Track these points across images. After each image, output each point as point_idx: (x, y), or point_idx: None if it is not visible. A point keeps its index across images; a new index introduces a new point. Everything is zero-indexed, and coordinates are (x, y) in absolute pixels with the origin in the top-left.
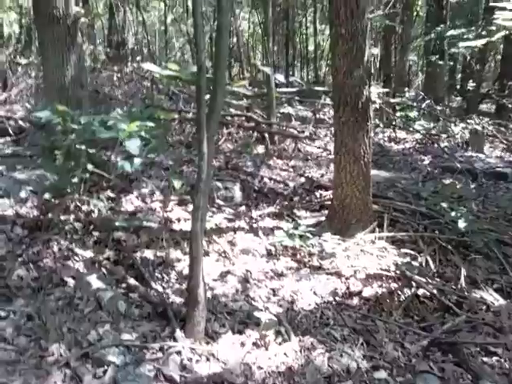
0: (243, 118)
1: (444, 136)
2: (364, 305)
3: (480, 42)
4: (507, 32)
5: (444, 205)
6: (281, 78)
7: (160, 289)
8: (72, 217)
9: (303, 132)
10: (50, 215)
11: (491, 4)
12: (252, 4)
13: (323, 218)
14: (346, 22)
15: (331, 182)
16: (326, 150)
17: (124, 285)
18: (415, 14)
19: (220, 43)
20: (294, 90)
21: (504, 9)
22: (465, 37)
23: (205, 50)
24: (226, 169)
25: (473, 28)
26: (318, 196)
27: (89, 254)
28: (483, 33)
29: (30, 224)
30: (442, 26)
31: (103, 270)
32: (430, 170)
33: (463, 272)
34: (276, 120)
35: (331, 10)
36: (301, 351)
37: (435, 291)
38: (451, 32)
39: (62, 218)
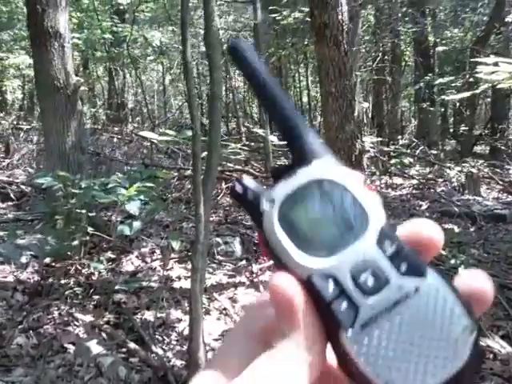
0: (241, 172)
1: (440, 180)
2: None
3: (466, 94)
4: (489, 84)
5: (444, 252)
6: (274, 138)
7: (160, 352)
8: (72, 280)
9: None
10: (50, 280)
11: (472, 60)
12: None
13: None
14: (335, 80)
15: None
16: None
17: (124, 349)
18: (404, 63)
19: (214, 111)
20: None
21: (485, 63)
22: (453, 84)
23: (199, 118)
24: (225, 223)
25: (460, 76)
26: None
27: (89, 318)
28: (471, 80)
29: (31, 290)
30: (430, 74)
31: (103, 334)
32: (428, 215)
33: None
34: None
35: (320, 70)
36: None
37: None
38: (439, 80)
39: (63, 282)
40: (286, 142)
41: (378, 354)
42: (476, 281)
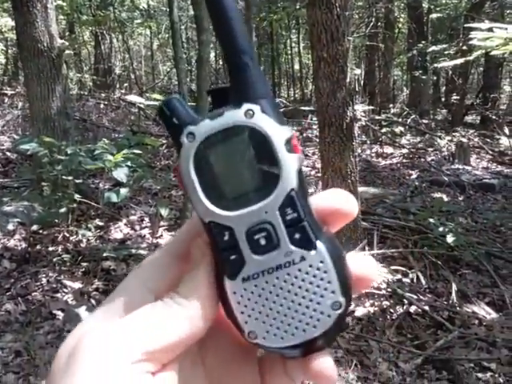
0: None
1: (430, 150)
2: (357, 324)
3: (459, 61)
4: (483, 51)
5: (432, 220)
6: None
7: None
8: (60, 247)
9: None
10: (38, 247)
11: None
12: None
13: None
14: (327, 45)
15: None
16: (314, 168)
17: None
18: (397, 30)
19: (201, 74)
20: (280, 110)
21: (479, 29)
22: (446, 52)
23: (186, 82)
24: None
25: (454, 43)
26: None
27: (77, 285)
28: (464, 47)
29: (18, 257)
30: (423, 42)
31: (92, 301)
32: (418, 185)
33: (454, 287)
34: None
35: (312, 35)
36: None
37: (427, 308)
38: (433, 48)
39: (51, 249)
40: (229, 70)
41: (250, 306)
42: (364, 265)
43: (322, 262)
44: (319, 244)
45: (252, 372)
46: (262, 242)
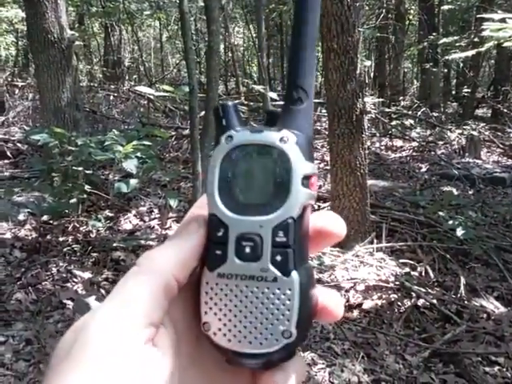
0: None
1: (441, 143)
2: (364, 317)
3: (470, 53)
4: (496, 42)
5: (442, 213)
6: (274, 95)
7: None
8: (70, 238)
9: None
10: (48, 237)
11: (478, 16)
12: (245, 19)
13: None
14: (337, 36)
15: (329, 193)
16: (323, 160)
17: None
18: (408, 22)
19: (211, 64)
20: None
21: (491, 20)
22: (457, 44)
23: (195, 73)
24: None
25: (465, 35)
26: (316, 208)
27: (87, 275)
28: (476, 39)
29: (29, 247)
30: (434, 34)
31: (102, 290)
32: (428, 178)
33: (463, 280)
34: None
35: (322, 26)
36: None
37: (435, 301)
38: (444, 40)
39: (61, 239)
40: (285, 96)
41: (214, 301)
42: (330, 220)
43: (289, 289)
44: (294, 274)
45: (245, 374)
46: (247, 250)
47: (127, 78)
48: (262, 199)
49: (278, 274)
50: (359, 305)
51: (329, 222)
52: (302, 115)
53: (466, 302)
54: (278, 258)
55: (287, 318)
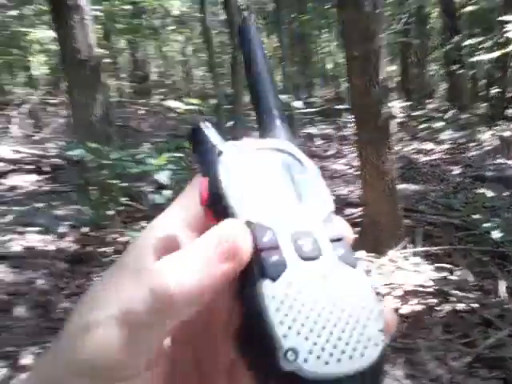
0: None
1: (472, 145)
2: (403, 322)
3: (494, 55)
4: None
5: (477, 216)
6: (299, 104)
7: None
8: (110, 249)
9: (327, 151)
10: (88, 248)
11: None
12: (267, 29)
13: (355, 236)
14: (358, 44)
15: (360, 198)
16: (353, 166)
17: None
18: (430, 25)
19: (237, 78)
20: (315, 109)
21: None
22: (481, 46)
23: (221, 84)
24: None
25: (489, 36)
26: (348, 214)
27: None
28: (500, 40)
29: (71, 258)
30: (458, 36)
31: None
32: (460, 181)
33: (503, 283)
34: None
35: (343, 34)
36: None
37: (475, 305)
38: (468, 41)
39: (101, 250)
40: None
41: (293, 316)
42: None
43: (363, 281)
44: (359, 264)
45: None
46: (308, 247)
47: (155, 92)
48: (295, 199)
49: (348, 267)
50: (397, 310)
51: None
52: (281, 132)
53: (507, 305)
54: (341, 251)
55: (376, 313)
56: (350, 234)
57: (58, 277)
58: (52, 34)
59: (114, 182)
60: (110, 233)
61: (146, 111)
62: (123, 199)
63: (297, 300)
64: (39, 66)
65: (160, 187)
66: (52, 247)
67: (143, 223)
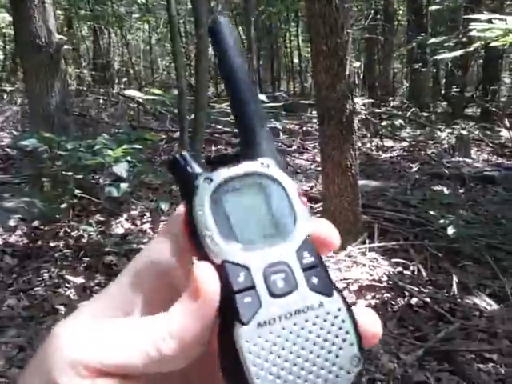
0: (231, 135)
1: (431, 142)
2: None
3: (457, 53)
4: (482, 42)
5: (433, 212)
6: (263, 97)
7: None
8: (62, 243)
9: (291, 146)
10: (39, 242)
11: (465, 16)
12: (235, 22)
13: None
14: (326, 38)
15: (320, 194)
16: (315, 161)
17: None
18: (396, 23)
19: (200, 68)
20: (279, 104)
21: (478, 20)
22: (446, 44)
23: (184, 76)
24: None
25: (453, 35)
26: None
27: (80, 280)
28: (464, 39)
29: (20, 252)
30: (423, 34)
31: (94, 295)
32: (418, 178)
33: (455, 279)
34: None
35: (311, 27)
36: None
37: (428, 299)
38: (432, 40)
39: (52, 244)
40: (238, 133)
41: (264, 357)
42: (323, 228)
43: (339, 309)
44: (334, 292)
45: None
46: (280, 283)
47: (117, 81)
48: (269, 228)
49: (321, 296)
50: (353, 305)
51: (323, 229)
52: (264, 140)
53: (458, 300)
54: (314, 279)
55: (350, 341)
56: (334, 239)
57: (5, 272)
58: (9, 17)
59: (69, 173)
60: (63, 227)
61: (107, 100)
62: (77, 192)
63: (268, 341)
64: None
65: (117, 179)
66: (1, 241)
67: (98, 217)
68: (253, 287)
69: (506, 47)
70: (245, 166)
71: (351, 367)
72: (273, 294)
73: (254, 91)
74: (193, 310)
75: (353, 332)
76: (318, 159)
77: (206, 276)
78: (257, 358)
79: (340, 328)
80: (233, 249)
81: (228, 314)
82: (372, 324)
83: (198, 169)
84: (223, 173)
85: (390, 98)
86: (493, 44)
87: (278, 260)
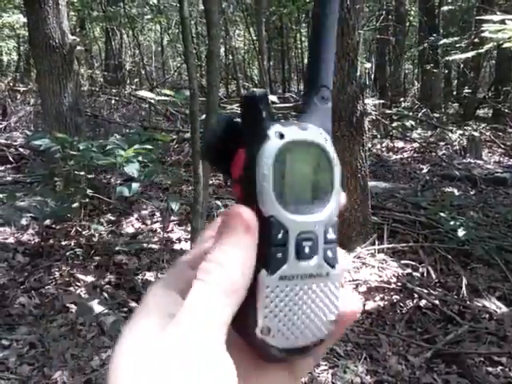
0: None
1: (442, 144)
2: (366, 318)
3: (470, 54)
4: (495, 43)
5: (443, 214)
6: (274, 98)
7: None
8: (73, 242)
9: None
10: (51, 241)
11: (477, 18)
12: (246, 22)
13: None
14: (337, 39)
15: None
16: None
17: (125, 308)
18: (408, 23)
19: (211, 68)
20: (290, 105)
21: (491, 21)
22: (457, 45)
23: (196, 77)
24: (225, 186)
25: (465, 36)
26: None
27: (90, 278)
28: (476, 40)
29: (32, 251)
30: (434, 35)
31: (105, 294)
32: (429, 179)
33: (464, 281)
34: None
35: None
36: None
37: (437, 302)
38: (444, 41)
39: (63, 243)
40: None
41: (275, 304)
42: (351, 305)
43: (336, 281)
44: (338, 265)
45: (282, 371)
46: (307, 249)
47: (128, 82)
48: (313, 197)
49: (330, 268)
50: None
51: (351, 304)
52: (326, 114)
53: (468, 302)
54: (329, 253)
55: (334, 308)
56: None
57: (17, 270)
58: (23, 19)
59: (81, 173)
60: (74, 226)
61: (119, 101)
62: (89, 191)
63: (283, 292)
64: (9, 51)
65: (129, 179)
66: (13, 239)
67: (109, 216)
68: (285, 246)
69: None
70: (312, 134)
71: (328, 325)
72: (298, 257)
73: (332, 62)
74: (248, 243)
75: (337, 301)
76: None
77: (254, 219)
78: (269, 302)
79: (334, 295)
80: (281, 208)
81: (258, 260)
82: (353, 303)
83: (269, 117)
84: (294, 133)
85: (401, 99)
86: (505, 45)
87: (310, 229)
